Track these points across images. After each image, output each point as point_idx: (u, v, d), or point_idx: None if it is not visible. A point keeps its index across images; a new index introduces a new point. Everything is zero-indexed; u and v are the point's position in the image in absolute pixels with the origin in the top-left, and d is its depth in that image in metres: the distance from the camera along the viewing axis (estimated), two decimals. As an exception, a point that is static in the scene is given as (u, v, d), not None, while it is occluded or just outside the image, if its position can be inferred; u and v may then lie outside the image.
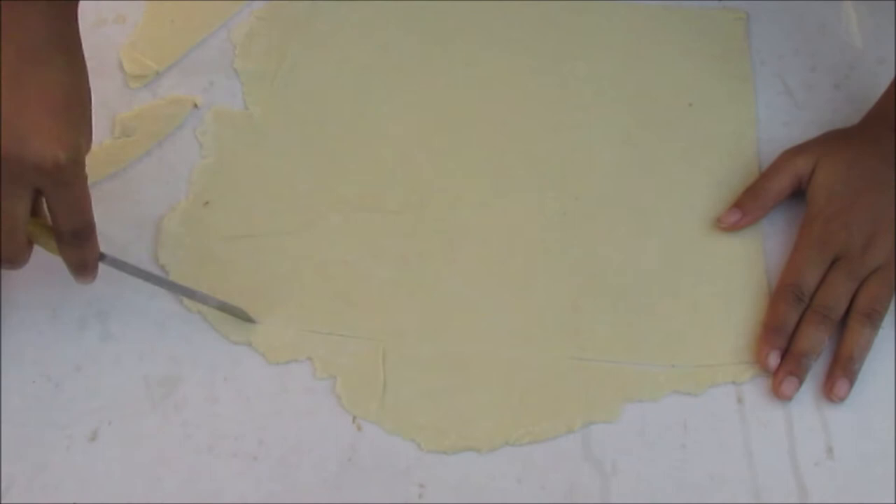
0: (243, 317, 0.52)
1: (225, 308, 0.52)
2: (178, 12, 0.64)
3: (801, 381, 0.51)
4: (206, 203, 0.57)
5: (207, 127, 0.60)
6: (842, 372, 0.51)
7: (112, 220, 0.57)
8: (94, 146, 0.59)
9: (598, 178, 0.58)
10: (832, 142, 0.56)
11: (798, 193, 0.56)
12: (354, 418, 0.51)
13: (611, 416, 0.51)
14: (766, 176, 0.56)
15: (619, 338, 0.53)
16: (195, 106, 0.61)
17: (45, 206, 0.48)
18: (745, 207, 0.56)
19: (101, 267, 0.55)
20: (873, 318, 0.52)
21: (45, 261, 0.55)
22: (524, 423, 0.51)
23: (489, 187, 0.58)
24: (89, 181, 0.48)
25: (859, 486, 0.49)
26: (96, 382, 0.52)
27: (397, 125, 0.60)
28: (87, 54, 0.49)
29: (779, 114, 0.61)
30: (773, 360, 0.51)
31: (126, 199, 0.58)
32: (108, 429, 0.51)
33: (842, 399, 0.51)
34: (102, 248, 0.56)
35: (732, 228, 0.56)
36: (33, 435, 0.51)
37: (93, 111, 0.49)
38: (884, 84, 0.58)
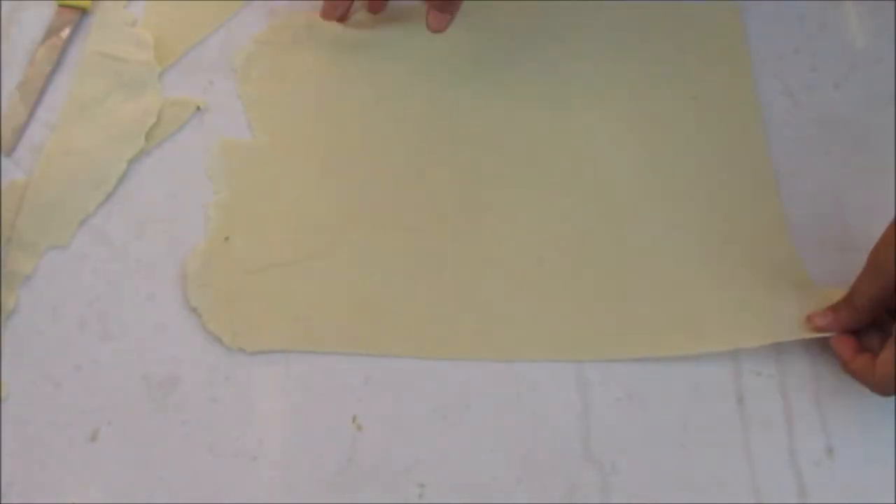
0: None
1: None
2: (178, 12, 0.64)
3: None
4: (227, 239, 0.56)
5: (214, 160, 0.58)
6: None
7: (112, 221, 0.57)
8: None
9: (611, 177, 0.58)
10: None
11: None
12: (354, 418, 0.51)
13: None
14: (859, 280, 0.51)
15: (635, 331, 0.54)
16: (198, 108, 0.61)
17: None
18: (839, 313, 0.52)
19: (99, 266, 0.55)
20: None
21: (45, 260, 0.56)
22: None
23: (503, 192, 0.57)
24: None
25: (859, 486, 0.49)
26: (96, 382, 0.52)
27: (407, 138, 0.59)
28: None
29: (779, 114, 0.61)
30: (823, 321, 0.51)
31: (126, 199, 0.58)
32: (108, 429, 0.51)
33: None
34: (101, 248, 0.56)
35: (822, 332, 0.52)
36: (33, 435, 0.51)
37: None
38: (884, 84, 0.58)
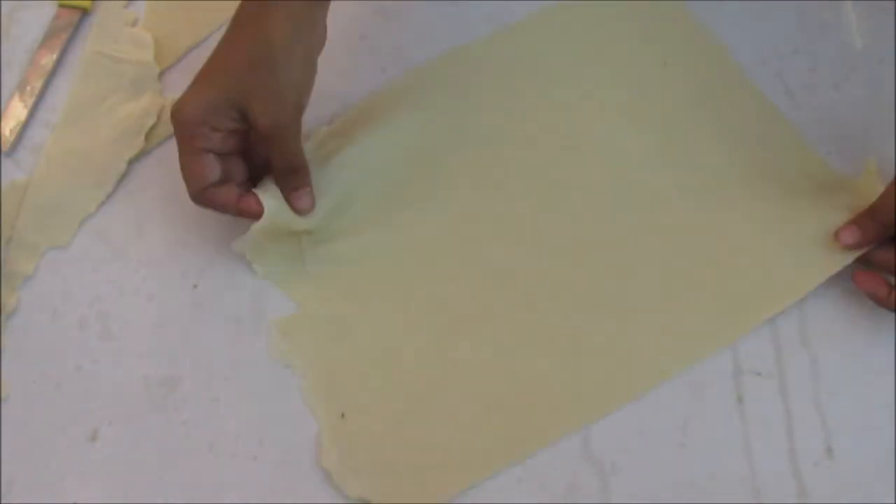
0: None
1: None
2: (178, 12, 0.64)
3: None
4: (343, 415, 0.52)
5: (278, 345, 0.54)
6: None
7: (112, 221, 0.57)
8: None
9: (653, 185, 0.57)
10: None
11: None
12: (354, 418, 0.51)
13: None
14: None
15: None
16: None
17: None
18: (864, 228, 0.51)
19: (99, 266, 0.55)
20: None
21: (45, 260, 0.56)
22: None
23: (558, 231, 0.56)
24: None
25: (859, 486, 0.49)
26: (96, 382, 0.52)
27: (459, 241, 0.56)
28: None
29: (779, 114, 0.61)
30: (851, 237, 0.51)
31: (126, 199, 0.58)
32: (108, 429, 0.51)
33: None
34: (101, 248, 0.56)
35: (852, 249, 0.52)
36: (33, 435, 0.51)
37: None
38: (884, 84, 0.58)
